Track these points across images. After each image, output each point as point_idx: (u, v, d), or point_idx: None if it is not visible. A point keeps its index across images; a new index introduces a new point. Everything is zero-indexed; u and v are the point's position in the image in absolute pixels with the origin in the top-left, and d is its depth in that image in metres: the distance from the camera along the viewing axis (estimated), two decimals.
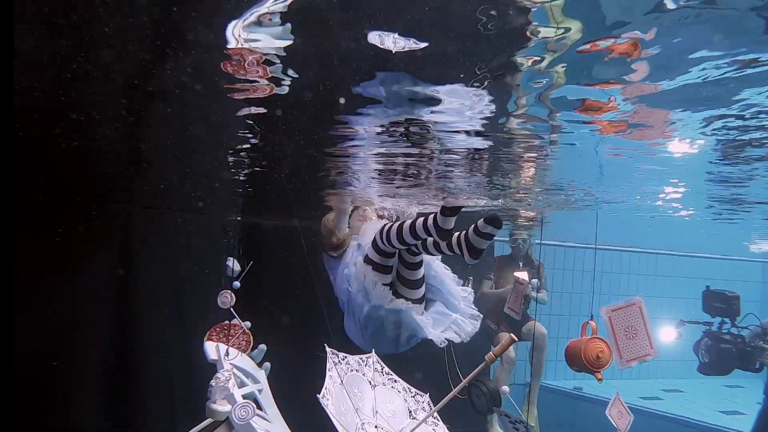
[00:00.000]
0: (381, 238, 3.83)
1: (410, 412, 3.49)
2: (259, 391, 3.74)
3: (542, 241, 6.89)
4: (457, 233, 3.65)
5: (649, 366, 5.74)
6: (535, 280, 5.62)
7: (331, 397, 3.03)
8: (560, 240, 8.01)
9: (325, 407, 2.91)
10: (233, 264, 4.22)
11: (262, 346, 4.05)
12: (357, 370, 3.43)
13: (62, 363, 4.56)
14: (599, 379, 3.85)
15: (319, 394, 2.95)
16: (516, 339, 3.00)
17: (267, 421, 3.49)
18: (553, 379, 7.66)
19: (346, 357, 3.41)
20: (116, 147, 3.43)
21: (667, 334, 4.83)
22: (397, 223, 3.75)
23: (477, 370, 3.05)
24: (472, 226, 3.60)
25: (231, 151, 3.37)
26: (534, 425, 4.80)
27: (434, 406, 3.43)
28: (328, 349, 3.34)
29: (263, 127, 2.80)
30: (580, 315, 7.02)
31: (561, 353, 4.15)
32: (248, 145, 3.20)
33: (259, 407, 3.55)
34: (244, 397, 3.23)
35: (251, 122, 2.72)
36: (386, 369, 3.60)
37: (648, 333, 3.89)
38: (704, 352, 4.49)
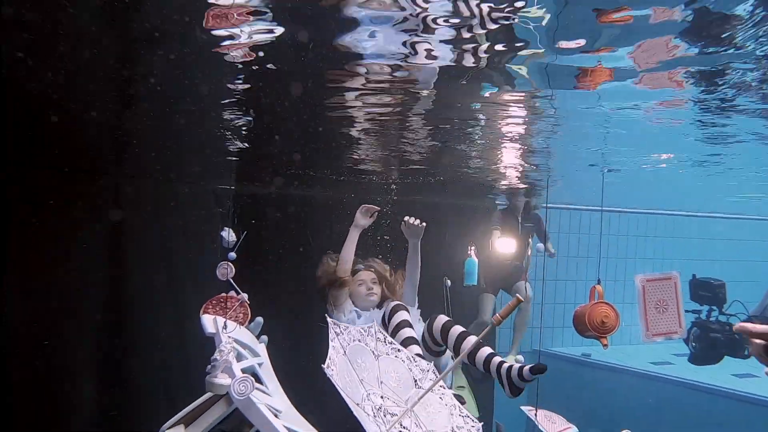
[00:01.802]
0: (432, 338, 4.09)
1: (416, 381, 3.52)
2: (259, 364, 3.77)
3: (548, 205, 6.88)
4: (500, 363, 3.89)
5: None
6: (540, 245, 5.63)
7: (336, 368, 3.06)
8: (566, 203, 8.01)
9: (330, 377, 2.93)
10: (229, 234, 4.23)
11: (259, 319, 4.08)
12: (359, 341, 3.45)
13: (53, 341, 4.59)
14: (605, 345, 3.90)
15: (323, 364, 2.97)
16: (522, 299, 3.01)
17: (267, 395, 3.53)
18: (560, 346, 7.72)
19: (348, 327, 3.43)
20: (105, 115, 3.42)
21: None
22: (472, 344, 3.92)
23: (483, 333, 3.08)
24: (517, 369, 3.78)
25: (223, 116, 3.36)
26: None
27: (440, 374, 3.46)
28: (329, 319, 3.36)
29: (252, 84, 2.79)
30: (587, 280, 7.04)
31: (569, 319, 4.19)
32: (239, 111, 3.20)
33: (259, 381, 3.59)
34: (243, 371, 3.26)
35: (240, 82, 2.70)
36: (389, 338, 3.63)
37: (679, 310, 3.93)
38: (694, 342, 4.56)
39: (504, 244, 5.72)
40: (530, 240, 6.16)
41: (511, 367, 3.82)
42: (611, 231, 8.36)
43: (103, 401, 4.78)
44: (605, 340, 3.92)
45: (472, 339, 4.09)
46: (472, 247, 5.20)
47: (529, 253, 4.80)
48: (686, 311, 4.70)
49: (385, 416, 3.13)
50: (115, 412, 4.83)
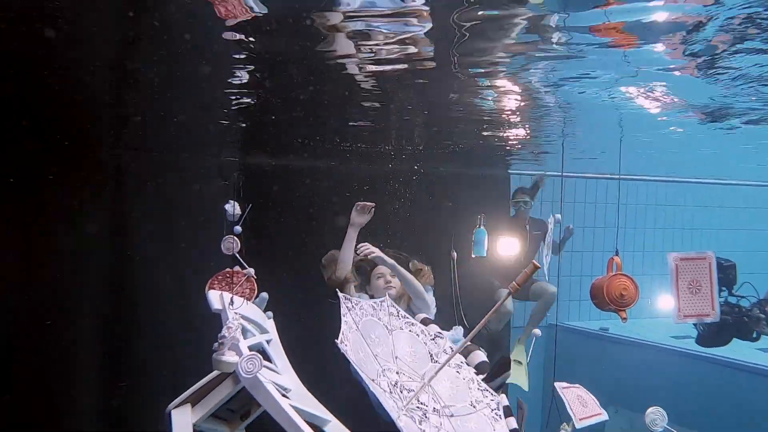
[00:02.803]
0: None
1: (431, 355, 3.50)
2: (268, 341, 3.75)
3: (563, 173, 6.82)
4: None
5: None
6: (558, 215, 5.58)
7: (349, 343, 3.02)
8: (581, 171, 7.92)
9: (344, 353, 2.90)
10: (233, 207, 4.19)
11: (264, 295, 4.06)
12: (372, 315, 3.42)
13: (55, 319, 4.58)
14: (623, 318, 3.85)
15: (336, 339, 2.93)
16: (539, 266, 2.96)
17: (276, 372, 3.51)
18: (577, 320, 7.68)
19: (359, 302, 3.40)
20: (102, 82, 3.36)
21: (665, 302, 4.87)
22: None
23: (499, 303, 3.03)
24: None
25: (225, 86, 3.30)
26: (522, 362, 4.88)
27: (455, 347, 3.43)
28: (340, 294, 3.32)
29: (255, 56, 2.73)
30: (605, 251, 7.00)
31: (586, 292, 4.14)
32: (240, 79, 3.14)
33: (267, 358, 3.56)
34: (251, 348, 3.23)
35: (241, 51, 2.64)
36: (402, 312, 3.60)
37: (712, 292, 3.86)
38: (702, 324, 4.52)
39: (506, 246, 5.68)
40: (541, 246, 6.11)
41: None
42: (629, 200, 8.28)
43: (108, 382, 4.78)
44: (624, 314, 3.88)
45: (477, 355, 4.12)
46: (482, 217, 5.17)
47: (547, 260, 4.73)
48: None
49: (401, 392, 3.11)
50: (123, 383, 4.83)
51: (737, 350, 5.91)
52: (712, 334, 4.62)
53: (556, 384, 3.80)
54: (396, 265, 4.42)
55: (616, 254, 3.99)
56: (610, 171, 7.66)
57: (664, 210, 8.66)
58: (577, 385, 3.86)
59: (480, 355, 4.08)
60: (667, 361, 6.48)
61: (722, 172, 8.23)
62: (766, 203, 9.24)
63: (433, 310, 4.51)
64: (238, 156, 5.55)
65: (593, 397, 3.82)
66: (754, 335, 4.63)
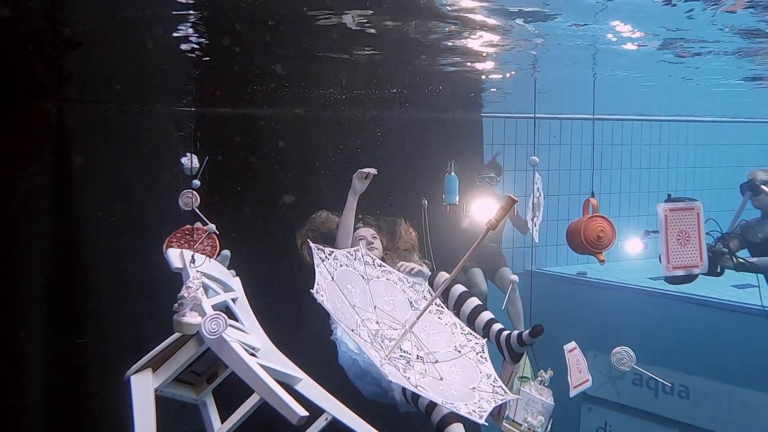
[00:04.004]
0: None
1: (411, 302, 3.48)
2: (234, 300, 3.69)
3: (536, 115, 6.77)
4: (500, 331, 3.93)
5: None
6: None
7: (325, 294, 2.98)
8: (555, 112, 7.87)
9: (321, 303, 2.86)
10: (191, 160, 4.09)
11: (226, 252, 4.00)
12: (347, 265, 3.39)
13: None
14: (601, 261, 3.86)
15: (312, 289, 2.88)
16: (516, 200, 2.91)
17: (243, 332, 3.45)
18: (554, 265, 7.71)
19: (333, 252, 3.36)
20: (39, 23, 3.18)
21: (632, 246, 4.91)
22: (472, 306, 4.04)
23: (479, 240, 2.99)
24: (516, 335, 3.77)
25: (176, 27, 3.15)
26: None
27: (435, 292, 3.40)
28: (312, 244, 3.26)
29: None
30: (581, 193, 6.98)
31: (562, 236, 4.13)
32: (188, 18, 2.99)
33: (234, 317, 3.50)
34: (215, 307, 3.17)
35: None
36: (378, 261, 3.56)
37: (701, 242, 3.91)
38: None
39: (480, 209, 5.63)
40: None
41: (510, 334, 3.82)
42: (604, 140, 8.26)
43: (61, 347, 4.69)
44: (602, 256, 3.89)
45: (473, 301, 4.11)
46: (452, 163, 5.13)
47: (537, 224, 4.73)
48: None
49: (382, 341, 3.10)
50: (83, 340, 4.75)
51: (710, 288, 6.00)
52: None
53: (565, 346, 3.84)
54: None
55: (592, 196, 3.98)
56: (583, 112, 7.65)
57: (639, 150, 8.66)
58: (573, 344, 3.89)
59: (473, 302, 4.08)
60: (645, 302, 6.54)
61: (690, 109, 8.28)
62: (735, 139, 9.31)
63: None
64: (195, 105, 5.38)
65: (584, 359, 3.87)
66: (719, 270, 4.72)
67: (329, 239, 4.74)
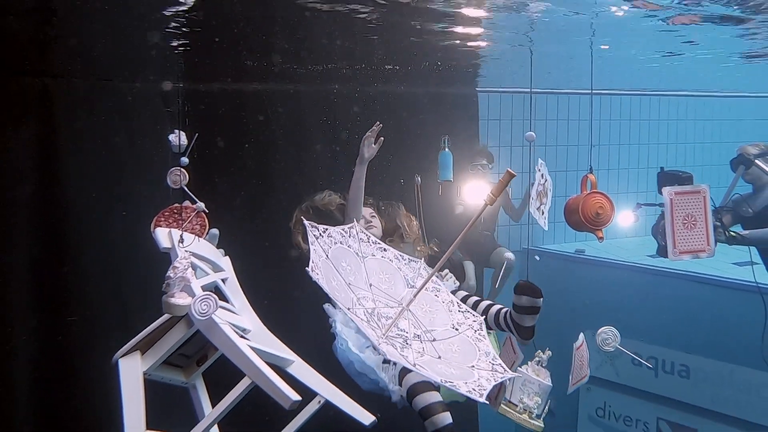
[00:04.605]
0: None
1: (407, 280, 3.44)
2: (224, 280, 3.65)
3: (532, 89, 6.72)
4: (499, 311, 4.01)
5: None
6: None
7: (321, 272, 2.94)
8: (553, 87, 7.82)
9: (316, 281, 2.81)
10: (179, 137, 4.03)
11: (214, 231, 3.95)
12: (341, 243, 3.34)
13: None
14: (600, 238, 3.84)
15: (307, 267, 2.84)
16: (514, 174, 2.88)
17: (233, 313, 3.42)
18: (552, 243, 7.68)
19: (327, 229, 3.31)
20: None
21: (624, 219, 4.90)
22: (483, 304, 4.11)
23: (477, 215, 2.95)
24: (510, 307, 3.85)
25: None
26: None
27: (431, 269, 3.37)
28: (305, 221, 3.22)
29: None
30: (579, 170, 6.94)
31: (560, 213, 4.10)
32: None
33: (224, 298, 3.46)
34: (205, 288, 3.12)
35: None
36: (372, 238, 3.52)
37: (707, 226, 3.89)
38: (662, 235, 4.61)
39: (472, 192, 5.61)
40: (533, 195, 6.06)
41: (507, 311, 3.87)
42: (603, 115, 8.21)
43: (47, 327, 4.65)
44: (600, 233, 3.85)
45: (460, 293, 4.16)
46: (446, 139, 5.10)
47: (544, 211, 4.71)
48: (653, 204, 4.81)
49: (379, 320, 3.06)
50: (74, 317, 4.72)
51: (710, 265, 5.99)
52: None
53: (574, 344, 3.84)
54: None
55: (591, 172, 3.94)
56: (581, 86, 7.59)
57: (639, 125, 8.62)
58: (581, 339, 3.89)
59: (460, 294, 4.11)
60: (644, 280, 6.52)
61: (690, 84, 8.25)
62: (737, 114, 9.28)
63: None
64: (183, 81, 5.31)
65: (588, 352, 3.88)
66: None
67: (329, 220, 4.70)
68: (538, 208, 3.79)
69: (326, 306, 4.36)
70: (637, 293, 6.41)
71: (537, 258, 4.96)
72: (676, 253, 3.92)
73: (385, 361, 4.00)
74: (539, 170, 3.86)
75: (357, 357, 4.06)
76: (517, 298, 3.76)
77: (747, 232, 5.04)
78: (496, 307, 3.97)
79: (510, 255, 4.45)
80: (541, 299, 3.79)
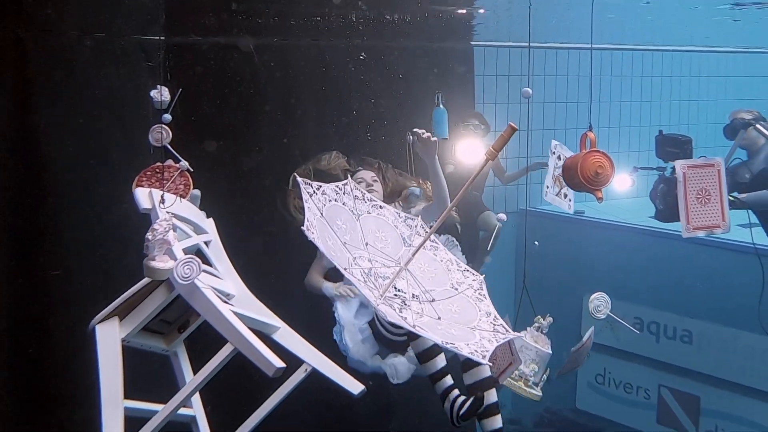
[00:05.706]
0: None
1: (404, 239, 3.39)
2: (207, 243, 3.57)
3: (530, 44, 6.61)
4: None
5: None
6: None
7: (316, 231, 2.88)
8: (551, 41, 7.72)
9: (312, 240, 2.75)
10: (161, 93, 3.92)
11: (195, 192, 3.84)
12: (336, 201, 3.27)
13: None
14: (599, 198, 3.78)
15: (302, 226, 2.77)
16: (516, 127, 2.80)
17: (217, 277, 3.34)
18: (549, 204, 7.63)
19: (321, 186, 3.25)
20: None
21: (620, 183, 4.88)
22: None
23: (479, 169, 2.87)
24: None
25: None
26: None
27: (429, 228, 3.30)
28: (298, 178, 3.15)
29: None
30: (578, 127, 6.87)
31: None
32: None
33: (207, 262, 3.38)
34: (187, 251, 3.04)
35: None
36: (367, 195, 3.46)
37: (722, 201, 3.84)
38: (660, 199, 4.60)
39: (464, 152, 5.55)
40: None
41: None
42: (603, 71, 8.11)
43: (23, 289, 4.59)
44: (600, 193, 3.81)
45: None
46: (440, 96, 5.00)
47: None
48: (650, 168, 4.90)
49: (376, 280, 3.02)
50: (57, 271, 4.68)
51: None
52: (669, 209, 4.74)
53: (577, 345, 3.89)
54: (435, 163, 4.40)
55: (590, 130, 3.86)
56: (580, 40, 7.49)
57: (640, 81, 8.53)
58: (588, 336, 3.96)
59: None
60: (645, 242, 6.50)
61: (692, 39, 8.15)
62: (741, 71, 9.20)
63: None
64: (165, 34, 5.19)
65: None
66: None
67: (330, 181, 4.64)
68: (558, 194, 3.71)
69: (326, 286, 4.51)
70: (638, 255, 6.39)
71: (536, 243, 4.89)
72: (690, 229, 3.87)
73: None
74: (554, 152, 3.77)
75: (351, 351, 4.23)
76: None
77: (744, 195, 5.15)
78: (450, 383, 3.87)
79: (503, 216, 4.37)
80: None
